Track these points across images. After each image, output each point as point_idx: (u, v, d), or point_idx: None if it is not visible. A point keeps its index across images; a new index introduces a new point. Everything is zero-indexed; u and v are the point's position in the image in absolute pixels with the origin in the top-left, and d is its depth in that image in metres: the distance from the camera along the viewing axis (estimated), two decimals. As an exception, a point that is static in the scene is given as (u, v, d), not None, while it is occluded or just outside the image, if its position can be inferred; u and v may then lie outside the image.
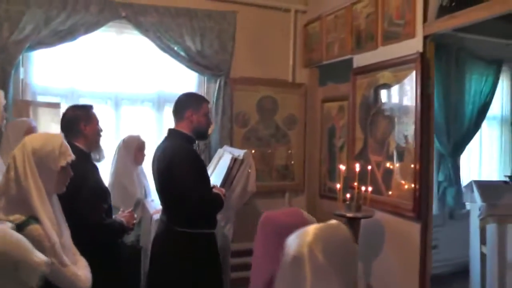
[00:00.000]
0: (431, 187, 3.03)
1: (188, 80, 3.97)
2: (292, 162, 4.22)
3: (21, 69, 3.44)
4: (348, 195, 3.17)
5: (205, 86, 3.95)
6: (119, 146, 3.49)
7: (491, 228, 3.59)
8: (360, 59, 3.51)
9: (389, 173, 3.21)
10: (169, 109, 3.93)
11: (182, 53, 3.76)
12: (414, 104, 2.95)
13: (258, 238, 1.73)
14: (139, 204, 3.42)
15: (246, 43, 4.04)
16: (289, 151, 4.22)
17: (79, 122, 2.49)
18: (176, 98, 3.94)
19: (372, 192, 3.12)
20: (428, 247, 2.97)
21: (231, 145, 3.80)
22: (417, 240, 2.95)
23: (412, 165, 2.96)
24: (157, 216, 3.07)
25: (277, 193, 4.19)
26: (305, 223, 1.79)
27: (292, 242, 1.24)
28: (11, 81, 3.24)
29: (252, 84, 4.06)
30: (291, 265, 1.19)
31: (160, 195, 2.69)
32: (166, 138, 2.71)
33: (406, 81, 3.04)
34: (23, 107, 3.40)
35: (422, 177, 2.92)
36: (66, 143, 1.89)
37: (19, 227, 1.63)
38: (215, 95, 3.89)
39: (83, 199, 2.22)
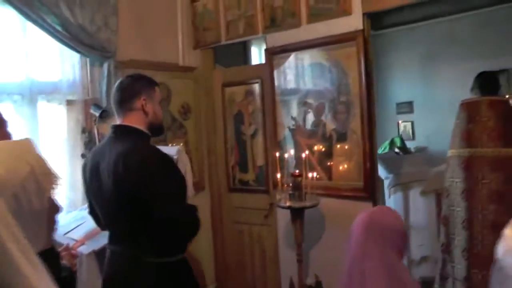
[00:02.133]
0: (376, 165, 3.06)
1: (65, 64, 2.99)
2: (191, 156, 3.69)
3: None
4: (285, 185, 2.97)
5: (88, 71, 3.07)
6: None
7: (395, 196, 3.89)
8: (277, 38, 3.26)
9: (327, 156, 3.10)
10: (43, 103, 2.93)
11: (60, 28, 2.82)
12: (356, 83, 2.90)
13: (363, 242, 1.58)
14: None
15: (131, 20, 3.30)
16: (185, 145, 3.67)
17: None
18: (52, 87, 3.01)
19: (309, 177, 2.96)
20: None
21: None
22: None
23: (360, 145, 2.92)
24: (89, 249, 2.25)
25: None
26: (402, 224, 1.71)
27: None
28: None
29: (142, 68, 3.30)
30: None
31: (117, 217, 1.89)
32: (113, 139, 1.91)
33: (343, 60, 2.95)
34: None
35: (372, 156, 2.92)
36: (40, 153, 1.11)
37: None
38: (105, 82, 3.07)
39: None
